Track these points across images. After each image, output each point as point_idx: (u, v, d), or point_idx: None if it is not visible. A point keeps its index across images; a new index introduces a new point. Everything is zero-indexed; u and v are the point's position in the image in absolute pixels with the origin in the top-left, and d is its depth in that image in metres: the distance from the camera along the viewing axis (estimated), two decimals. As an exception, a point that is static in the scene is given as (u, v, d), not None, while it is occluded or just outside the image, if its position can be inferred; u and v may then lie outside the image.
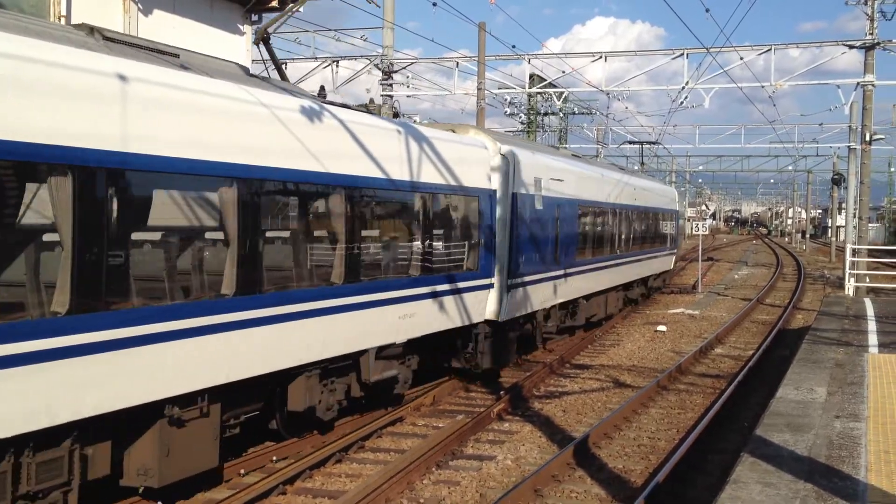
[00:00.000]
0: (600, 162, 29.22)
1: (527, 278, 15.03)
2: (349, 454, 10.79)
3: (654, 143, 40.15)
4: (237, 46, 15.99)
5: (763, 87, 29.68)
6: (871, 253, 33.56)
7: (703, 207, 45.31)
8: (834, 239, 62.18)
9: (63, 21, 12.38)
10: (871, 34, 27.63)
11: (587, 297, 19.66)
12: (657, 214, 28.57)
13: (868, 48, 27.67)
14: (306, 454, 10.44)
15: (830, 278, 38.79)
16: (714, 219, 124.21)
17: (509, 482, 9.79)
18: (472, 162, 13.53)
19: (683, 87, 30.12)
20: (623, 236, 23.09)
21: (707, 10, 19.85)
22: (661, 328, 22.33)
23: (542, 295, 16.07)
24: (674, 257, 32.48)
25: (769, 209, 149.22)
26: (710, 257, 55.13)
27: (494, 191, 14.06)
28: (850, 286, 25.11)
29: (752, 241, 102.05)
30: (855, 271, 26.13)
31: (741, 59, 28.67)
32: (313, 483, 9.78)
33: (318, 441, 11.07)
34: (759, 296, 30.53)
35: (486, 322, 14.00)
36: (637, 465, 10.62)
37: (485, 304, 13.81)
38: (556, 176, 16.69)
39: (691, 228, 41.00)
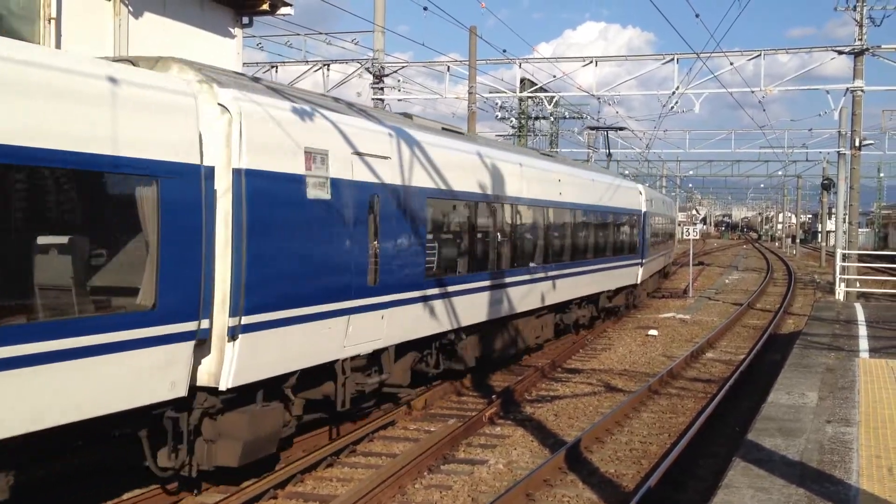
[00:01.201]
0: (515, 147, 22.72)
1: (286, 314, 9.13)
2: (340, 458, 10.75)
3: (619, 128, 36.37)
4: (228, 49, 15.95)
5: (753, 92, 29.83)
6: (860, 258, 33.73)
7: (694, 212, 45.43)
8: (824, 244, 62.45)
9: (53, 24, 12.31)
10: (861, 40, 27.80)
11: (475, 329, 14.12)
12: (608, 215, 22.41)
13: (857, 54, 27.84)
14: (297, 458, 10.39)
15: (821, 283, 38.94)
16: (704, 223, 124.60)
17: (501, 486, 9.76)
18: (153, 116, 7.71)
19: (674, 92, 30.25)
20: (541, 242, 17.01)
21: (697, 16, 19.90)
22: (653, 332, 22.35)
23: (344, 336, 10.21)
24: (640, 268, 26.02)
25: (759, 214, 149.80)
26: (700, 262, 55.29)
27: (204, 169, 8.14)
28: (840, 291, 25.20)
29: (743, 245, 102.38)
30: (845, 276, 26.23)
31: (731, 64, 28.81)
32: (304, 487, 9.73)
33: (310, 445, 11.02)
34: (750, 300, 30.62)
35: (201, 391, 8.41)
36: (629, 469, 10.61)
37: (180, 366, 7.94)
38: (369, 149, 10.69)
39: (682, 233, 40.75)
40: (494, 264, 14.77)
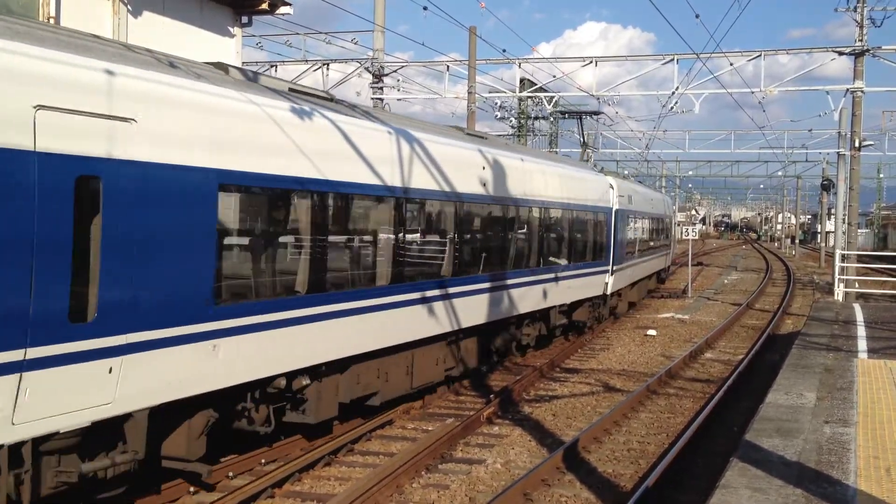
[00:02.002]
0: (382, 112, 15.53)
1: None
2: (338, 457, 10.74)
3: (596, 113, 33.62)
4: (227, 49, 15.94)
5: (753, 92, 29.83)
6: (860, 258, 33.73)
7: (693, 212, 45.37)
8: (823, 244, 62.46)
9: (52, 23, 12.31)
10: (861, 41, 27.80)
11: (352, 361, 10.75)
12: (565, 213, 18.37)
13: (857, 55, 27.84)
14: (295, 457, 10.39)
15: (820, 283, 38.94)
16: (704, 224, 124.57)
17: (499, 486, 9.76)
18: None
19: (674, 93, 30.24)
20: (454, 245, 13.14)
21: (697, 16, 19.94)
22: (651, 332, 22.35)
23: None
24: (609, 276, 21.74)
25: (759, 214, 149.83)
26: (699, 262, 55.29)
27: None
28: (839, 291, 25.18)
29: (742, 245, 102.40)
30: (844, 277, 26.22)
31: (731, 64, 28.82)
32: (302, 486, 9.73)
33: (307, 444, 11.02)
34: (749, 300, 30.62)
35: None
36: (627, 469, 10.61)
37: None
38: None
39: (681, 233, 40.47)
40: (354, 280, 10.76)
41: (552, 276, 17.52)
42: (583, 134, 28.49)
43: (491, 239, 14.68)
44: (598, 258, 20.93)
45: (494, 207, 14.66)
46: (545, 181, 17.14)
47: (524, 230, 16.17)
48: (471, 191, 13.59)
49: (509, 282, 15.10)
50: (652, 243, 30.53)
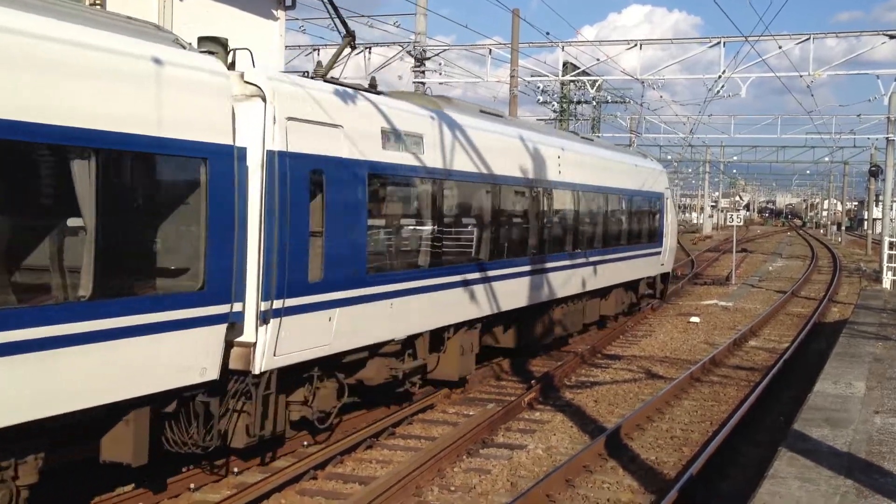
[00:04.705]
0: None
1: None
2: (380, 440, 10.80)
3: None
4: (271, 32, 16.00)
5: (801, 76, 29.18)
6: (909, 246, 32.89)
7: (737, 198, 44.66)
8: (870, 231, 61.14)
9: (99, 8, 12.44)
10: (915, 22, 27.03)
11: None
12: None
13: (910, 37, 27.04)
14: (337, 440, 10.45)
15: (867, 271, 38.13)
16: (748, 210, 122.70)
17: (540, 471, 9.73)
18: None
19: (720, 76, 29.69)
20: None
21: (747, -2, 19.51)
22: (694, 319, 22.10)
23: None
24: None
25: (804, 200, 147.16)
26: (743, 248, 54.49)
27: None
28: (887, 279, 24.66)
29: (787, 232, 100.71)
30: (893, 264, 25.64)
31: (780, 47, 28.18)
32: (344, 468, 9.79)
33: (349, 427, 11.08)
34: (794, 288, 30.10)
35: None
36: (670, 456, 10.50)
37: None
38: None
39: (726, 219, 39.73)
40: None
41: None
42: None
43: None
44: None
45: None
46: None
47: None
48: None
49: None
50: (603, 235, 17.97)
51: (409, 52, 27.69)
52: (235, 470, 9.32)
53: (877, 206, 61.19)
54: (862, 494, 6.55)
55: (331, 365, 9.67)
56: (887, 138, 35.49)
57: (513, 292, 13.72)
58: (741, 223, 39.73)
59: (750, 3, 19.77)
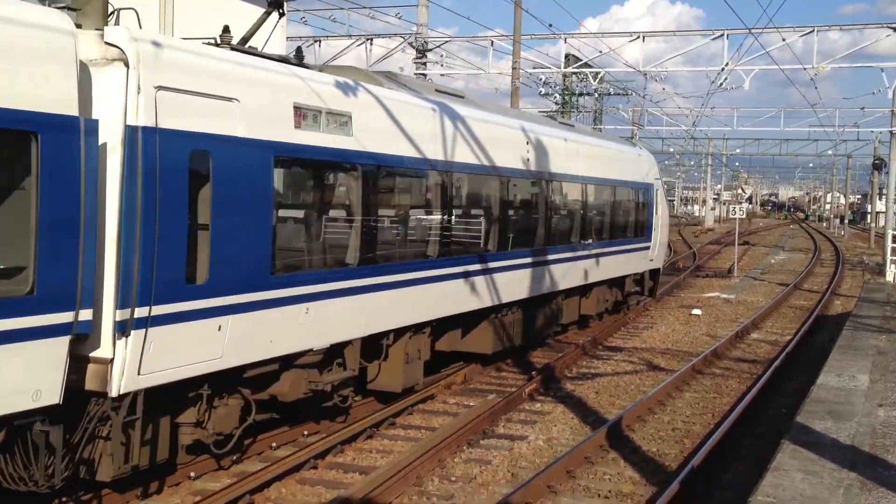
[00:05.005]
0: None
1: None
2: (380, 430, 10.76)
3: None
4: (271, 23, 15.85)
5: (805, 69, 29.05)
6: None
7: (740, 191, 44.52)
8: (873, 225, 61.04)
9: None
10: (919, 15, 26.88)
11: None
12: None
13: (914, 29, 26.93)
14: (337, 430, 10.42)
15: (870, 265, 38.04)
16: (750, 203, 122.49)
17: (541, 463, 9.69)
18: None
19: (723, 69, 29.58)
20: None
21: (751, -12, 19.36)
22: (696, 312, 22.04)
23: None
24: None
25: (807, 194, 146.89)
26: (745, 241, 54.38)
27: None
28: (890, 272, 24.59)
29: (790, 225, 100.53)
30: (896, 258, 25.57)
31: (783, 40, 28.05)
32: (344, 458, 9.76)
33: (350, 417, 11.04)
34: (797, 281, 30.02)
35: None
36: (672, 448, 10.46)
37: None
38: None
39: (728, 212, 39.62)
40: None
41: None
42: None
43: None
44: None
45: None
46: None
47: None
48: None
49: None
50: (580, 229, 16.54)
51: (410, 44, 27.61)
52: (234, 458, 9.29)
53: (880, 199, 61.08)
54: (866, 487, 6.51)
55: (230, 381, 8.27)
56: (891, 131, 35.38)
57: (466, 293, 12.21)
58: (744, 216, 39.63)
59: (754, -6, 19.65)
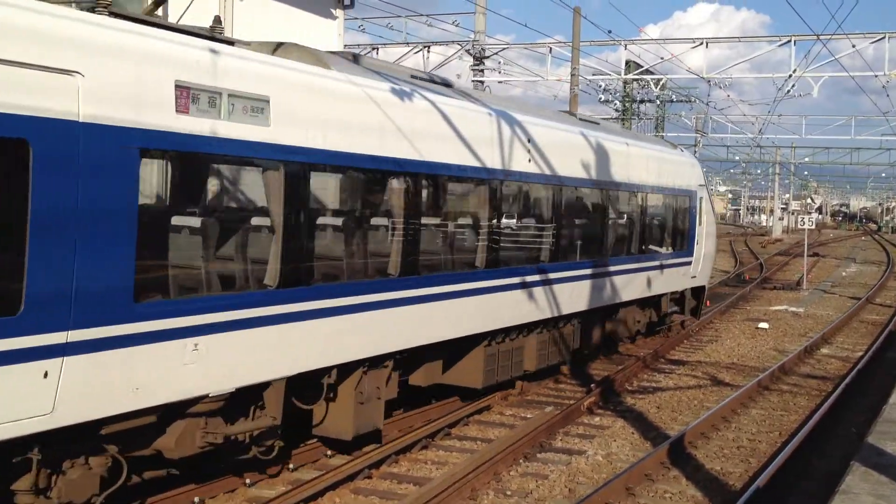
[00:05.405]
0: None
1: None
2: (435, 441, 10.64)
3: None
4: (329, 31, 16.02)
5: (876, 76, 28.14)
6: None
7: (809, 201, 43.22)
8: (950, 236, 58.76)
9: (161, 12, 12.58)
10: None
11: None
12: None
13: None
14: (392, 439, 10.33)
15: (947, 278, 36.57)
16: (820, 213, 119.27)
17: (600, 478, 9.45)
18: None
19: (790, 76, 28.83)
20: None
21: (820, -7, 18.80)
22: (763, 325, 21.42)
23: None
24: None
25: (879, 204, 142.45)
26: (815, 253, 52.87)
27: None
28: (970, 286, 23.51)
29: (861, 237, 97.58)
30: (976, 270, 24.46)
31: (853, 46, 27.23)
32: (399, 468, 9.66)
33: (405, 426, 10.95)
34: (869, 294, 28.99)
35: None
36: (736, 467, 10.10)
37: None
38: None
39: (797, 222, 38.59)
40: None
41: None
42: None
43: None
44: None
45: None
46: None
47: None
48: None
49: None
50: (600, 242, 14.43)
51: (467, 51, 27.57)
52: (291, 466, 9.27)
53: (957, 209, 58.74)
54: (945, 513, 6.13)
55: (80, 438, 6.38)
56: (969, 139, 34.03)
57: (446, 318, 10.02)
58: (813, 227, 38.47)
59: (822, 0, 19.09)
